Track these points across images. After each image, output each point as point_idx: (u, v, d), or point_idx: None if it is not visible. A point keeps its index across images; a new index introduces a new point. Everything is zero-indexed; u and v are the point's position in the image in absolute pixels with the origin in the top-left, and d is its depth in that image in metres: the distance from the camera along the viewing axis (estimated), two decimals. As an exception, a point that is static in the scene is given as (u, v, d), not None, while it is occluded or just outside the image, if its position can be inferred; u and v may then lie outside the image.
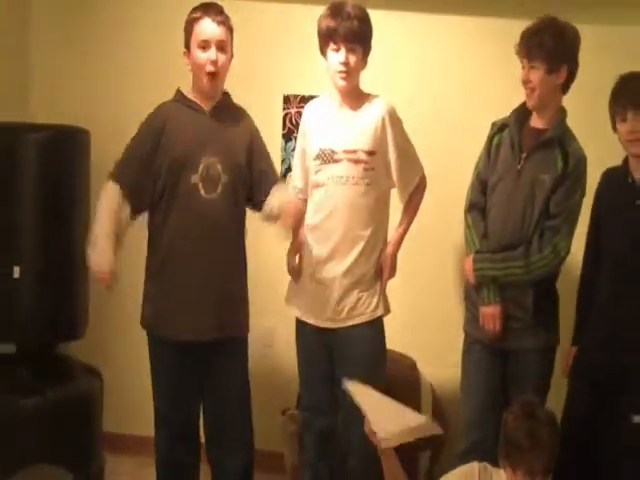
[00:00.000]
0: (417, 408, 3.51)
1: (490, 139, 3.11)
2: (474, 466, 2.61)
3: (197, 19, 2.94)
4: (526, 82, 2.97)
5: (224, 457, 3.10)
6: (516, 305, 3.01)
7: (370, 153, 3.01)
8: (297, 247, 3.19)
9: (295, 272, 3.20)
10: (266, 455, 3.62)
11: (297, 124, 3.92)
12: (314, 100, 3.28)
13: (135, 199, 2.95)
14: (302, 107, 3.86)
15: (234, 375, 3.07)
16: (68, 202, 3.45)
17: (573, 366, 3.04)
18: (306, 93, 3.89)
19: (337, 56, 2.99)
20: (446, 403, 3.58)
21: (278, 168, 3.92)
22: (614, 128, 2.87)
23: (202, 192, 2.92)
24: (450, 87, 3.83)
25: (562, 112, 3.02)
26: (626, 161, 2.90)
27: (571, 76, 2.98)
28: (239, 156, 3.03)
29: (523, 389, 2.95)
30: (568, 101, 3.06)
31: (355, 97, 3.08)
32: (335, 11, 2.98)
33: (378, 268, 3.10)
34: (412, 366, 3.58)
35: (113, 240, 2.90)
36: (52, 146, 3.41)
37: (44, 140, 3.38)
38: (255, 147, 3.10)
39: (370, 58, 3.09)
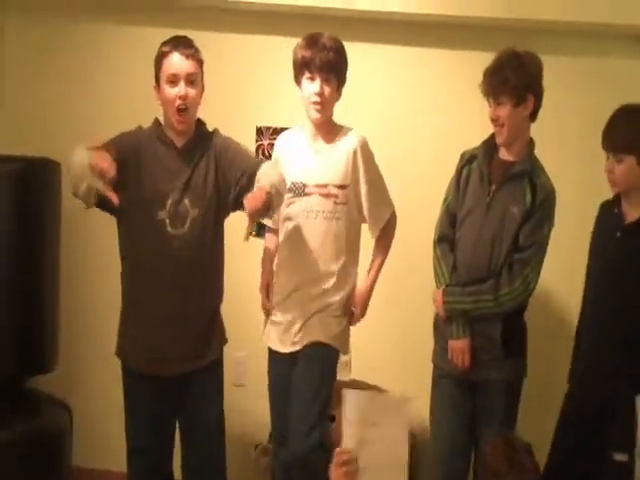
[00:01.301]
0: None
1: (459, 170, 3.13)
2: None
3: (166, 53, 2.93)
4: (495, 120, 2.99)
5: None
6: (485, 338, 3.01)
7: (341, 187, 3.02)
8: (266, 281, 3.20)
9: (266, 309, 3.21)
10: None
11: (270, 155, 3.94)
12: (287, 132, 3.29)
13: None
14: (274, 138, 3.89)
15: (209, 405, 3.04)
16: (37, 235, 3.43)
17: (563, 405, 3.03)
18: (278, 125, 3.92)
19: (312, 86, 3.00)
20: (418, 437, 3.55)
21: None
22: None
23: (169, 228, 2.90)
24: (423, 121, 3.86)
25: (531, 144, 3.05)
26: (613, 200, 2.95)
27: (538, 103, 3.00)
28: (209, 188, 2.98)
29: (491, 420, 2.97)
30: (539, 132, 3.10)
31: (328, 129, 3.09)
32: (311, 42, 3.00)
33: (348, 304, 3.10)
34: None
35: None
36: (22, 178, 3.39)
37: (14, 172, 3.37)
38: (223, 162, 2.99)
39: (344, 91, 3.11)
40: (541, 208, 2.95)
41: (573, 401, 2.98)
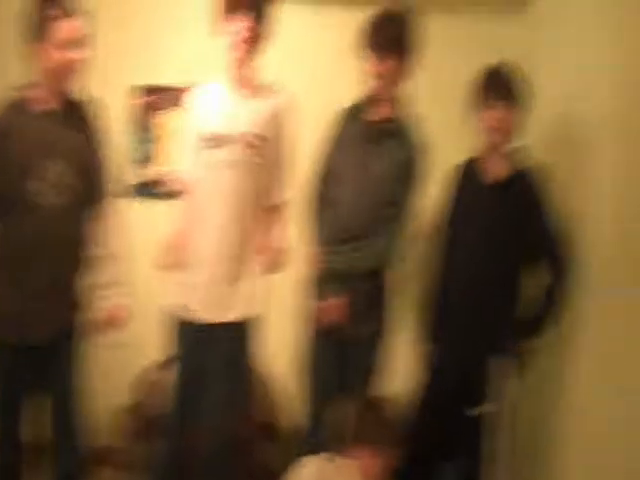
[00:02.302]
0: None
1: (336, 128, 3.14)
2: (322, 458, 2.68)
3: (54, 17, 2.76)
4: (378, 74, 3.01)
5: (60, 456, 3.02)
6: (355, 294, 3.06)
7: (263, 139, 2.99)
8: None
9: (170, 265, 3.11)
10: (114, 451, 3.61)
11: (146, 115, 3.89)
12: (203, 85, 3.16)
13: None
14: (152, 97, 3.87)
15: (66, 374, 2.98)
16: None
17: (426, 363, 3.11)
18: (155, 83, 3.84)
19: (238, 24, 2.94)
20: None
21: (127, 159, 3.86)
22: (475, 117, 2.96)
23: (47, 198, 2.81)
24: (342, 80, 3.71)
25: (401, 102, 3.11)
26: (478, 157, 3.02)
27: (414, 61, 3.04)
28: (85, 157, 2.92)
29: (357, 374, 3.06)
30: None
31: (251, 81, 3.04)
32: None
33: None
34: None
35: None
36: None
37: None
38: (101, 151, 2.99)
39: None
40: (413, 165, 3.04)
41: (440, 361, 3.06)
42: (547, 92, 3.20)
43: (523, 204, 2.88)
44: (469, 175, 3.05)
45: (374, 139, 3.06)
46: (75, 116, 2.93)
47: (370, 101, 3.10)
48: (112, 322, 2.96)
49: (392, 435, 2.63)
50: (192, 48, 3.65)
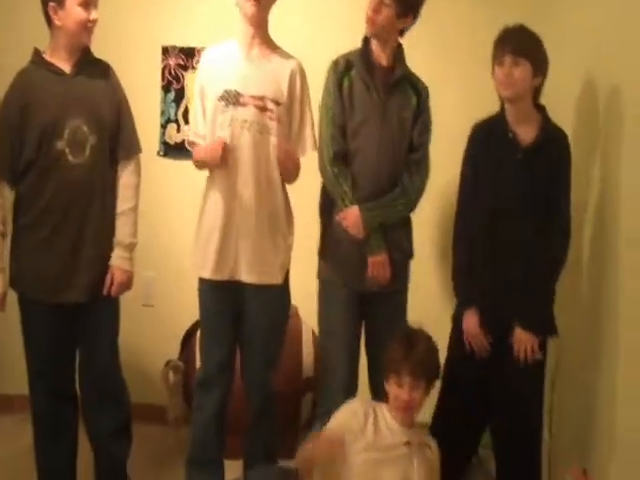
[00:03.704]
0: (299, 353, 3.65)
1: (339, 81, 3.05)
2: (357, 402, 2.71)
3: None
4: (372, 22, 2.98)
5: (97, 416, 3.06)
6: (395, 246, 3.08)
7: (277, 103, 2.95)
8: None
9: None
10: (149, 408, 3.70)
11: (176, 76, 3.93)
12: (216, 45, 3.09)
13: (14, 179, 2.86)
14: (181, 58, 3.91)
15: (103, 334, 3.03)
16: None
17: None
18: (185, 44, 3.88)
19: None
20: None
21: (157, 120, 3.93)
22: (493, 73, 2.93)
23: (70, 157, 2.84)
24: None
25: (401, 47, 3.10)
26: (502, 114, 2.96)
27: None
28: (106, 115, 2.93)
29: (392, 328, 2.96)
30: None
31: (264, 40, 2.98)
32: None
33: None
34: (294, 313, 3.64)
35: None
36: None
37: None
38: (123, 109, 2.99)
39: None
40: (425, 108, 3.08)
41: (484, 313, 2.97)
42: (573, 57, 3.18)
43: (550, 169, 2.85)
44: (495, 135, 2.98)
45: (386, 88, 3.04)
46: (95, 75, 2.94)
47: (367, 50, 3.06)
48: (115, 284, 2.95)
49: (421, 366, 2.61)
50: (221, 9, 3.65)
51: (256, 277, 2.96)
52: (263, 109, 2.93)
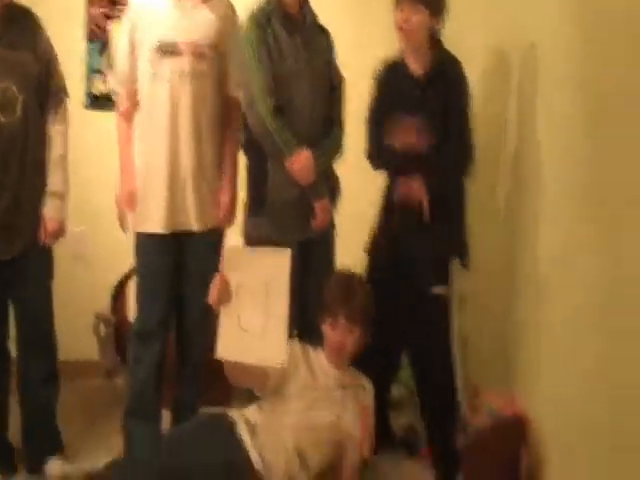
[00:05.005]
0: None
1: (261, 34, 3.02)
2: (291, 344, 2.73)
3: None
4: None
5: (30, 363, 3.06)
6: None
7: (213, 47, 2.94)
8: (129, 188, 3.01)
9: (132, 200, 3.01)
10: (79, 362, 3.71)
11: (100, 26, 3.85)
12: None
13: None
14: (106, 8, 3.83)
15: (38, 283, 3.02)
16: None
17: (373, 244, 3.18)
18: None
19: None
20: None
21: (79, 70, 3.85)
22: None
23: (1, 118, 2.80)
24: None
25: None
26: (401, 56, 3.06)
27: None
28: (34, 71, 2.88)
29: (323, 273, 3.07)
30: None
31: None
32: None
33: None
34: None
35: None
36: None
37: None
38: (51, 58, 2.95)
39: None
40: (332, 45, 3.19)
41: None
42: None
43: (446, 94, 2.97)
44: (394, 72, 3.10)
45: (302, 30, 3.08)
46: (21, 30, 2.87)
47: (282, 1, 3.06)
48: (47, 233, 2.93)
49: (359, 312, 2.69)
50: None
51: (204, 224, 2.99)
52: (200, 55, 2.91)
